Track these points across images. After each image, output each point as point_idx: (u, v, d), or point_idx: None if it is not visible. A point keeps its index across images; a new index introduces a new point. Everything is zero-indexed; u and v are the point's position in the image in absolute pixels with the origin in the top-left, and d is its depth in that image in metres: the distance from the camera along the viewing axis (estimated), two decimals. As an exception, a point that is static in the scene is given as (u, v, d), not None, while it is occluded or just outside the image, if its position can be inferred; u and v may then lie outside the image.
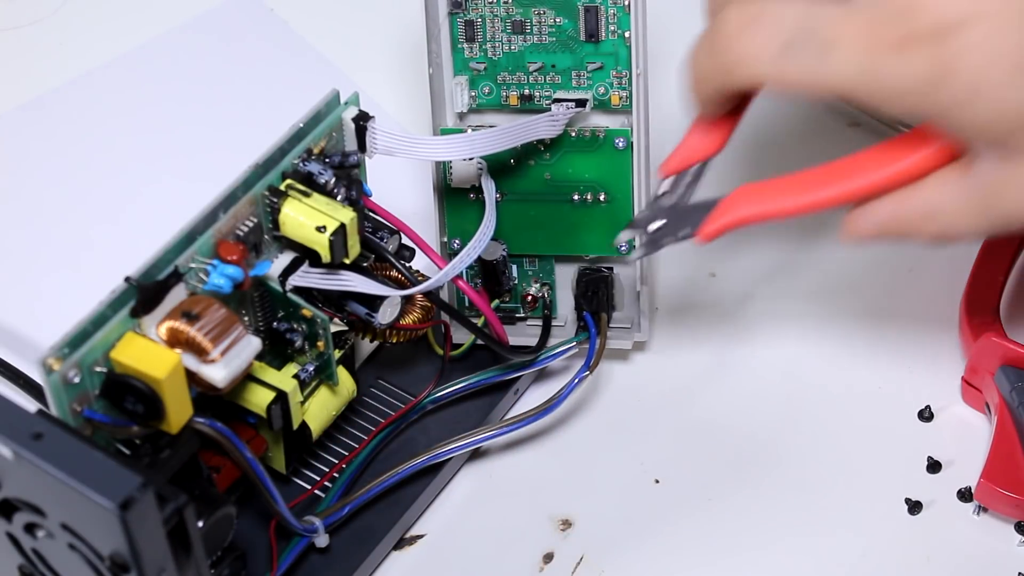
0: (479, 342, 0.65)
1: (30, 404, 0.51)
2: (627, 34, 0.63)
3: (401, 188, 0.70)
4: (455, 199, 0.66)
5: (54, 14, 0.85)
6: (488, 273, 0.66)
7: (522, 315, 0.68)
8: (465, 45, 0.64)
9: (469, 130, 0.64)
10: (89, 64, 0.82)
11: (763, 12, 0.48)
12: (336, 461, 0.64)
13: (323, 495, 0.63)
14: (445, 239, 0.67)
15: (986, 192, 0.49)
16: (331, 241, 0.55)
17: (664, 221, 0.55)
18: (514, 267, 0.67)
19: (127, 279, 0.51)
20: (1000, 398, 0.65)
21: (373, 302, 0.58)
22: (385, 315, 0.59)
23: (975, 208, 0.49)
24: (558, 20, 0.63)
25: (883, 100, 0.47)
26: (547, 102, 0.64)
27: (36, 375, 0.61)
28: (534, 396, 0.68)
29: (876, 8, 0.46)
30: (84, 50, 0.83)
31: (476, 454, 0.67)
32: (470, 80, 0.65)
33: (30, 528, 0.49)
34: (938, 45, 0.45)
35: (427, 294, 0.60)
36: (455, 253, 0.65)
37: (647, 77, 0.63)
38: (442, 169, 0.65)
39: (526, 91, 0.64)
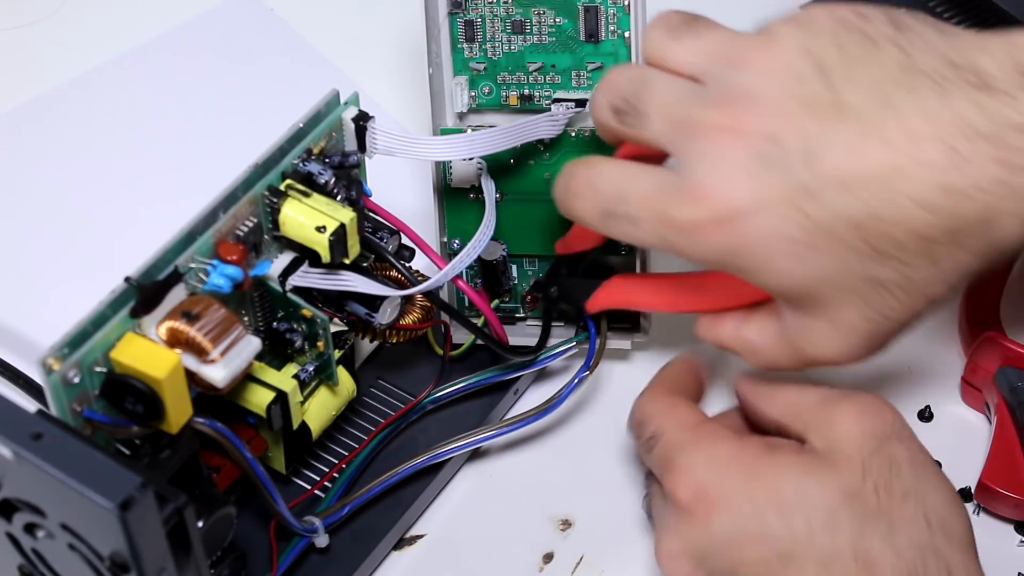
0: (479, 342, 0.65)
1: (30, 404, 0.51)
2: (627, 34, 0.63)
3: (401, 188, 0.69)
4: (455, 199, 0.66)
5: (54, 14, 0.85)
6: (488, 273, 0.66)
7: (522, 315, 0.68)
8: (465, 45, 0.64)
9: (469, 130, 0.64)
10: (89, 64, 0.82)
11: (587, 183, 0.56)
12: (336, 461, 0.64)
13: (323, 495, 0.63)
14: (445, 239, 0.67)
15: (791, 339, 0.56)
16: (331, 241, 0.55)
17: (556, 288, 0.65)
18: (514, 267, 0.67)
19: (127, 279, 0.51)
20: (1000, 398, 0.65)
21: (373, 302, 0.58)
22: (385, 315, 0.59)
23: (785, 351, 0.56)
24: (558, 20, 0.63)
25: (688, 259, 0.54)
26: (547, 102, 0.64)
27: (36, 375, 0.61)
28: (534, 396, 0.68)
29: (670, 192, 0.53)
30: (84, 50, 0.83)
31: (476, 454, 0.67)
32: (470, 80, 0.65)
33: (30, 528, 0.49)
34: (724, 229, 0.52)
35: (427, 294, 0.60)
36: (455, 253, 0.65)
37: None
38: (442, 169, 0.65)
39: (526, 91, 0.64)
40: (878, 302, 0.53)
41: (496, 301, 0.68)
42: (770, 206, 0.51)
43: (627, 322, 0.68)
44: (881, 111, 0.50)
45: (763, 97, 0.51)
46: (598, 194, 0.56)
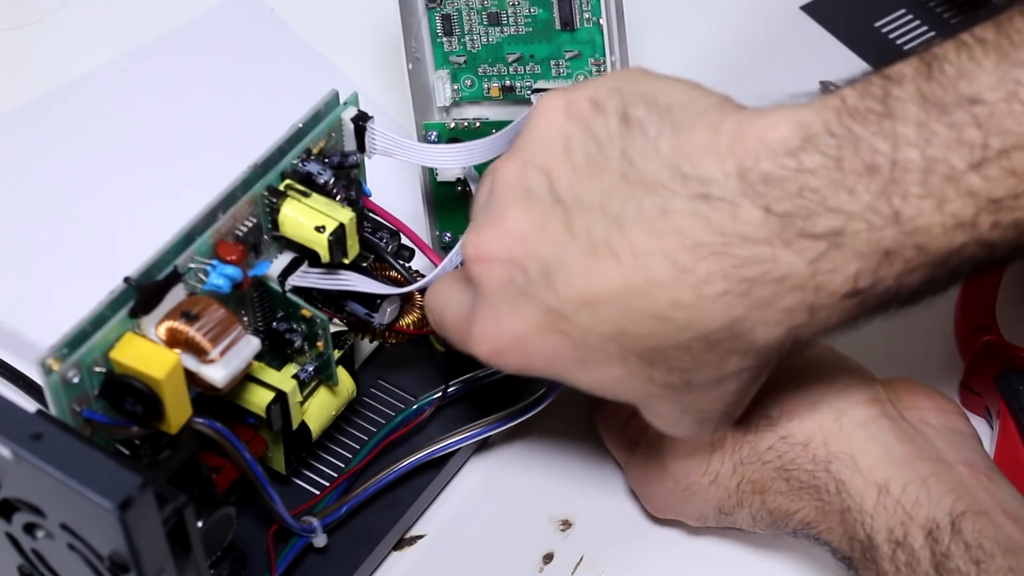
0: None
1: (30, 404, 0.51)
2: (601, 20, 0.63)
3: (387, 184, 0.69)
4: (443, 192, 0.66)
5: (54, 14, 0.85)
6: None
7: None
8: (444, 39, 0.64)
9: (452, 123, 0.64)
10: (89, 64, 0.82)
11: (428, 309, 0.57)
12: (336, 462, 0.64)
13: (317, 492, 0.63)
14: (437, 232, 0.66)
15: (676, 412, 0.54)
16: (330, 241, 0.55)
17: None
18: None
19: (126, 279, 0.51)
20: (1002, 403, 0.65)
21: (372, 302, 0.59)
22: (384, 315, 0.59)
23: (679, 417, 0.54)
24: (533, 10, 0.63)
25: None
26: (528, 92, 0.64)
27: (36, 375, 0.61)
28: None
29: (466, 323, 0.53)
30: (84, 50, 0.83)
31: (476, 454, 0.67)
32: (451, 74, 0.65)
33: (29, 528, 0.49)
34: (510, 354, 0.52)
35: (424, 293, 0.60)
36: (447, 246, 0.65)
37: (627, 63, 0.63)
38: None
39: (507, 82, 0.65)
40: (681, 401, 0.52)
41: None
42: (534, 329, 0.51)
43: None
44: (608, 228, 0.49)
45: (504, 216, 0.51)
46: (432, 319, 0.57)
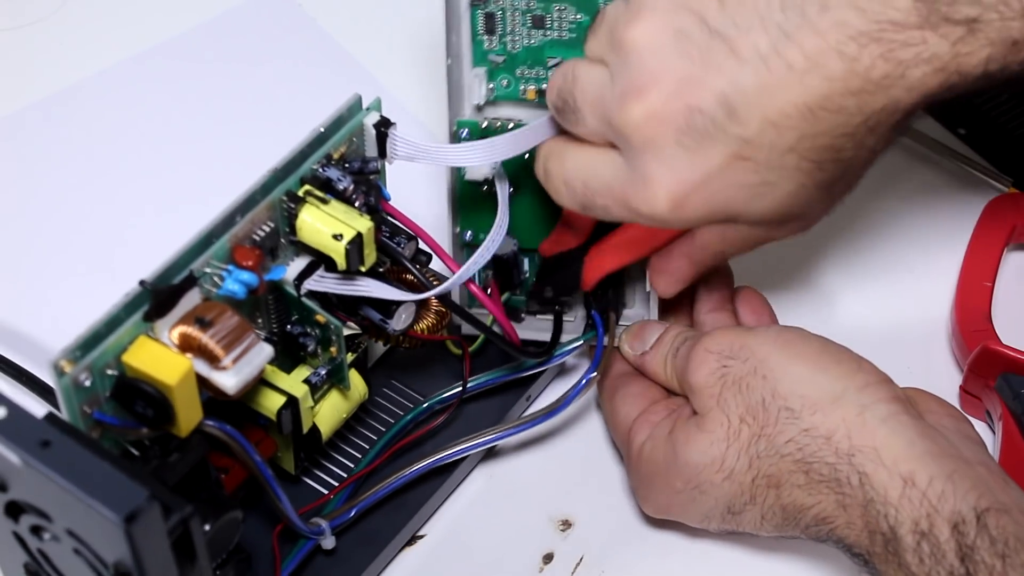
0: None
1: (30, 399, 0.50)
2: None
3: (413, 179, 0.68)
4: (469, 191, 0.65)
5: (55, 13, 0.84)
6: (500, 268, 0.65)
7: (524, 317, 0.68)
8: (485, 37, 0.63)
9: (486, 122, 0.64)
10: (92, 64, 0.81)
11: (561, 180, 0.59)
12: (346, 461, 0.64)
13: (325, 490, 0.63)
14: (457, 230, 0.66)
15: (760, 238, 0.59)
16: (347, 250, 0.55)
17: (549, 288, 0.66)
18: (525, 260, 0.67)
19: (142, 282, 0.51)
20: (1004, 407, 0.65)
21: (387, 308, 0.58)
22: (399, 321, 0.59)
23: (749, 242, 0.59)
24: (578, 16, 0.62)
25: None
26: None
27: (40, 373, 0.61)
28: (541, 397, 0.69)
29: (629, 187, 0.56)
30: (87, 51, 0.82)
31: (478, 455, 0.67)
32: (488, 72, 0.64)
33: (36, 530, 0.50)
34: (689, 203, 0.55)
35: (440, 298, 0.60)
36: (466, 244, 0.65)
37: None
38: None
39: (544, 85, 0.64)
40: (832, 193, 0.57)
41: (507, 294, 0.67)
42: (719, 165, 0.54)
43: (636, 320, 0.67)
44: (775, 42, 0.52)
45: (659, 70, 0.53)
46: (572, 191, 0.59)
